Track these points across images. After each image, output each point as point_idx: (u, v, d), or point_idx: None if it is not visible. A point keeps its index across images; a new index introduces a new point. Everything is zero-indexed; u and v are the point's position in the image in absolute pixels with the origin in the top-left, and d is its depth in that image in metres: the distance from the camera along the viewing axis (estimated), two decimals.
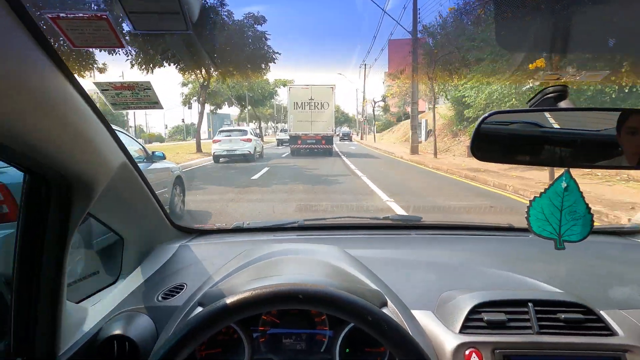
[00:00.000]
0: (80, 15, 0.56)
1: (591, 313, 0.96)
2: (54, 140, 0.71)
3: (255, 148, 15.00)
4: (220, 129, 17.12)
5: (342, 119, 59.53)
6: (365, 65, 42.84)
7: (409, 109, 41.62)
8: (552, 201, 0.80)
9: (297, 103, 18.38)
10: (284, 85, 18.57)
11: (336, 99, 19.73)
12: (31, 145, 0.67)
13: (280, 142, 28.34)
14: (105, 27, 0.59)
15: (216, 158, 14.57)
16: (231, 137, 14.74)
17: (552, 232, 0.80)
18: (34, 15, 0.56)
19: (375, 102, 39.11)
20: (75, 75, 0.70)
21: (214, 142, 14.86)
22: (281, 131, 31.70)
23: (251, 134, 15.55)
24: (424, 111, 35.17)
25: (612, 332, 0.93)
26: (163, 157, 5.41)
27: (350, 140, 41.86)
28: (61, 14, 0.56)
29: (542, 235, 0.81)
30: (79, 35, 0.60)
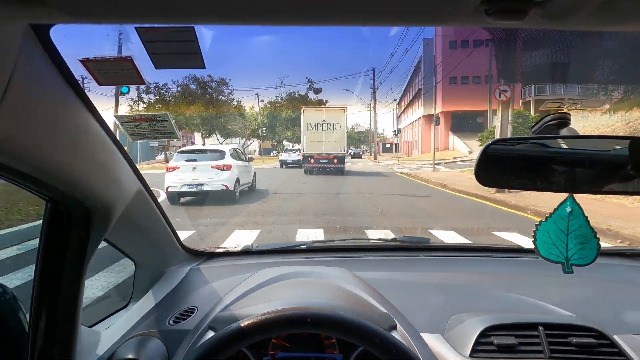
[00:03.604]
0: (107, 57, 0.61)
1: (604, 337, 0.95)
2: (77, 171, 0.75)
3: (236, 180, 9.56)
4: (182, 149, 11.24)
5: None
6: None
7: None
8: (557, 225, 0.80)
9: (310, 125, 18.78)
10: None
11: (347, 120, 19.65)
12: (56, 177, 0.71)
13: (284, 164, 23.54)
14: (129, 66, 0.63)
15: (171, 196, 9.20)
16: (197, 161, 9.45)
17: (560, 255, 0.80)
18: (63, 58, 0.60)
19: None
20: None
21: (169, 170, 9.40)
22: (285, 151, 26.66)
23: (233, 156, 9.99)
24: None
25: (626, 358, 0.92)
26: None
27: (361, 157, 41.27)
28: (90, 57, 0.61)
29: (549, 259, 0.81)
30: (104, 74, 0.65)
